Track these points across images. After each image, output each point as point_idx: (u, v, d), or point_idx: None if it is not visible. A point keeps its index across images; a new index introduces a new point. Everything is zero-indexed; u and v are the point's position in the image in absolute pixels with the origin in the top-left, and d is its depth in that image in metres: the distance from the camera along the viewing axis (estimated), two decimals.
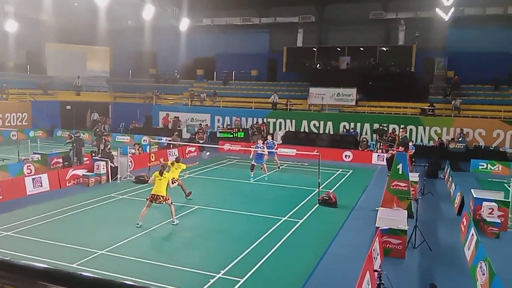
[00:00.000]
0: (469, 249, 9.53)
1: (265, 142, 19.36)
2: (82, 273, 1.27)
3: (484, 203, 11.70)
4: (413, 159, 18.74)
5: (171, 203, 11.37)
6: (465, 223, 11.02)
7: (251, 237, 10.47)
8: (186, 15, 32.14)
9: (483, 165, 21.11)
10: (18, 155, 17.88)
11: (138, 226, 10.97)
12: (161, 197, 11.18)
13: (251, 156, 17.79)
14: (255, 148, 17.83)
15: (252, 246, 9.90)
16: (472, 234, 9.59)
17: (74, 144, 17.85)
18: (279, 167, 19.81)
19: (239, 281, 8.05)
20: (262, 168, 17.74)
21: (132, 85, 36.02)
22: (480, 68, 26.95)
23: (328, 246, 10.08)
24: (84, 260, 8.76)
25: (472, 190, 12.89)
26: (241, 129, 27.93)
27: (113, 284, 1.21)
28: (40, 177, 14.76)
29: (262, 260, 9.08)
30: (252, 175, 17.47)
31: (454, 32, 28.73)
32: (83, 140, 18.78)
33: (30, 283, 1.28)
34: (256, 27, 33.85)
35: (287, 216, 12.45)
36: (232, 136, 27.23)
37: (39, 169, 16.49)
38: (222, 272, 8.41)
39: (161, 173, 11.37)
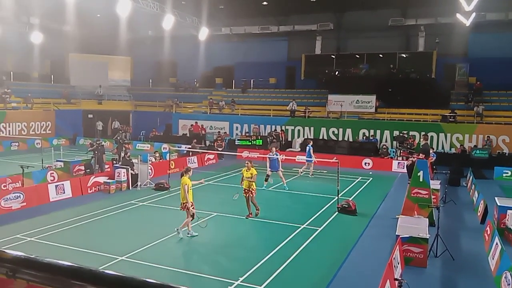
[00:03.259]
0: (493, 259, 9.30)
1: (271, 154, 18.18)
2: (105, 271, 1.32)
3: (509, 212, 11.40)
4: (434, 167, 18.43)
5: (191, 215, 10.79)
6: (489, 232, 10.76)
7: (269, 245, 10.44)
8: (205, 24, 32.56)
9: (507, 173, 20.58)
10: (42, 163, 18.31)
11: (189, 235, 10.93)
12: (180, 204, 11.05)
13: (267, 166, 17.53)
14: (269, 156, 17.71)
15: (271, 254, 9.87)
16: (497, 243, 9.35)
17: (96, 152, 18.20)
18: (312, 174, 20.19)
19: None
20: (280, 176, 17.44)
21: (152, 94, 36.60)
22: (503, 74, 26.38)
23: (347, 254, 9.97)
24: (104, 266, 8.87)
25: (496, 198, 12.59)
26: (259, 137, 27.98)
27: (134, 281, 1.25)
28: (63, 184, 15.08)
29: (281, 268, 9.04)
30: (265, 185, 17.08)
31: (476, 38, 28.28)
32: (104, 148, 19.12)
33: (55, 280, 1.33)
34: (275, 35, 34.02)
35: (306, 224, 12.39)
36: (250, 143, 27.30)
37: (62, 176, 16.85)
38: (241, 279, 8.41)
39: (181, 176, 10.98)
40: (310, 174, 20.45)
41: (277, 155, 17.71)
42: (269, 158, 17.49)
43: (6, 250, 1.47)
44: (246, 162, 12.91)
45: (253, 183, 12.65)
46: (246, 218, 12.76)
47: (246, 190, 12.60)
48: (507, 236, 11.03)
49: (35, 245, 10.16)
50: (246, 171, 12.71)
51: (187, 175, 10.93)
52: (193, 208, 10.89)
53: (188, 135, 30.62)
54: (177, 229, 10.87)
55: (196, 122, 31.05)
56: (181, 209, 11.08)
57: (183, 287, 1.26)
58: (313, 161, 19.96)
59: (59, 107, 32.77)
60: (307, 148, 20.40)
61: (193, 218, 10.94)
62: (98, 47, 35.27)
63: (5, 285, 1.47)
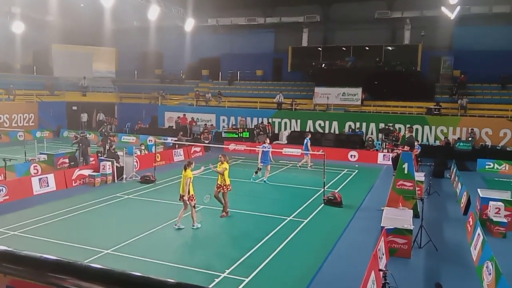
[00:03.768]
0: (475, 249, 9.48)
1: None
2: (91, 264, 1.30)
3: (491, 203, 11.62)
4: (419, 159, 18.66)
5: (194, 205, 10.98)
6: (471, 223, 10.96)
7: (256, 237, 10.47)
8: (191, 15, 32.20)
9: (490, 165, 20.96)
10: (25, 156, 18.02)
11: (176, 227, 10.91)
12: (180, 196, 10.94)
13: (259, 158, 17.22)
14: (262, 148, 17.37)
15: (257, 246, 9.91)
16: (479, 234, 9.54)
17: (80, 144, 17.96)
18: (310, 166, 20.14)
19: (244, 280, 8.06)
20: (266, 170, 17.26)
21: (138, 86, 36.20)
22: (487, 67, 26.75)
23: (333, 246, 10.06)
24: (90, 260, 8.79)
25: (478, 189, 12.82)
26: (246, 129, 27.94)
27: (116, 273, 1.23)
28: (46, 177, 14.86)
29: (267, 260, 9.08)
30: (254, 176, 17.11)
31: (460, 31, 28.58)
32: (89, 140, 18.88)
33: (36, 273, 1.31)
34: (261, 27, 33.85)
35: (292, 216, 12.45)
36: (237, 136, 27.25)
37: (46, 169, 16.60)
38: (227, 271, 8.43)
39: (184, 169, 10.89)
40: (309, 166, 20.41)
41: (269, 147, 17.38)
42: (262, 150, 17.17)
43: None
44: (220, 156, 12.48)
45: (226, 178, 11.96)
46: (221, 217, 12.14)
47: (218, 186, 12.01)
48: (488, 226, 11.24)
49: (19, 239, 10.01)
50: (220, 165, 12.21)
51: (189, 168, 10.91)
52: (194, 201, 10.96)
53: (174, 127, 30.42)
54: (193, 226, 11.01)
55: (184, 115, 30.81)
56: (180, 200, 11.04)
57: (168, 279, 1.24)
58: (309, 154, 19.95)
59: (42, 99, 32.20)
60: (305, 140, 20.32)
61: (185, 209, 10.96)
62: (82, 37, 34.66)
63: None
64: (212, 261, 9.15)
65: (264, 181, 17.03)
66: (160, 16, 29.67)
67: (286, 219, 12.16)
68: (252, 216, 12.55)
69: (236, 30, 34.76)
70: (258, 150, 17.68)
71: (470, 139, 24.17)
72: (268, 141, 18.14)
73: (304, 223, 11.86)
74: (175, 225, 10.99)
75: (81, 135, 18.43)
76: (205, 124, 29.95)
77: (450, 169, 19.44)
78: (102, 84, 36.05)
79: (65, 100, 33.54)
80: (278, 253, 9.55)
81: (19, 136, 25.38)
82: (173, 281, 1.27)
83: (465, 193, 13.61)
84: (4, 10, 31.14)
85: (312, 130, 28.10)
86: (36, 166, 16.68)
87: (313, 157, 20.26)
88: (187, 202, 10.83)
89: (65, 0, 26.44)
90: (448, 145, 24.29)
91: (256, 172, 17.21)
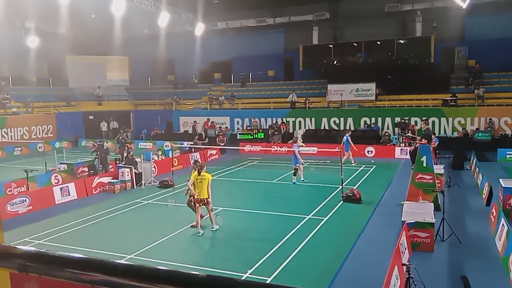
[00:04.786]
0: (500, 240, 9.31)
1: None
2: (115, 261, 1.34)
3: None
4: (437, 152, 18.41)
5: (211, 209, 10.95)
6: (494, 214, 10.76)
7: (276, 237, 10.47)
8: (200, 20, 32.43)
9: (511, 154, 20.55)
10: (46, 166, 18.37)
11: (200, 234, 10.75)
12: (204, 200, 10.71)
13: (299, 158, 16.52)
14: (295, 148, 16.59)
15: (278, 246, 9.90)
16: (503, 225, 9.36)
17: (98, 153, 18.24)
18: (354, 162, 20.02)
19: (266, 280, 8.06)
20: (299, 169, 16.66)
21: (152, 92, 36.57)
22: (502, 55, 26.25)
23: (354, 242, 10.00)
24: None
25: (500, 179, 12.56)
26: (260, 130, 27.96)
27: (144, 269, 1.26)
28: (67, 186, 15.14)
29: (289, 259, 9.08)
30: (300, 179, 16.60)
31: (473, 20, 28.10)
32: (108, 149, 19.19)
33: (66, 272, 1.35)
34: (271, 28, 33.87)
35: (311, 214, 12.41)
36: (252, 137, 27.29)
37: (66, 179, 16.91)
38: (249, 272, 8.45)
39: (199, 173, 10.68)
40: (353, 162, 20.15)
41: (297, 147, 16.71)
42: (298, 151, 16.56)
43: (17, 246, 1.49)
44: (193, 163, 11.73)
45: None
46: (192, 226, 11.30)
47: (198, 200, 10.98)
48: None
49: (43, 247, 10.19)
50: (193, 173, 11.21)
51: (203, 170, 10.82)
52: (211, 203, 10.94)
53: (190, 131, 30.56)
54: (212, 228, 11.03)
55: (208, 119, 30.50)
56: (200, 206, 10.81)
57: (192, 272, 1.27)
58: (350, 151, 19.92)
59: (59, 110, 32.79)
60: (344, 138, 20.06)
61: (198, 213, 10.95)
62: (94, 48, 35.19)
63: (18, 279, 1.50)
64: (233, 262, 9.18)
65: (302, 181, 16.65)
66: (170, 22, 29.96)
67: (305, 217, 12.12)
68: (271, 216, 12.55)
69: (246, 32, 34.84)
70: (293, 151, 16.78)
71: (489, 129, 23.75)
72: (299, 140, 17.46)
73: (324, 221, 11.81)
74: (198, 233, 10.80)
75: (98, 143, 18.73)
76: (220, 127, 30.07)
77: (469, 161, 19.13)
78: (116, 92, 36.55)
79: (81, 110, 34.12)
80: (299, 251, 9.53)
81: (39, 147, 25.92)
82: (203, 274, 1.30)
83: (486, 183, 13.37)
84: (19, 25, 31.87)
85: (327, 127, 28.00)
86: (57, 176, 17.02)
87: (329, 155, 20.12)
88: (206, 205, 10.83)
89: (76, 12, 26.86)
90: (467, 136, 23.89)
91: (296, 173, 16.71)
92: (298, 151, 16.64)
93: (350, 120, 27.55)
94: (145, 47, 35.31)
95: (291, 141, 18.19)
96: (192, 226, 11.25)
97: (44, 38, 32.52)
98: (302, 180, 16.76)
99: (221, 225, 11.29)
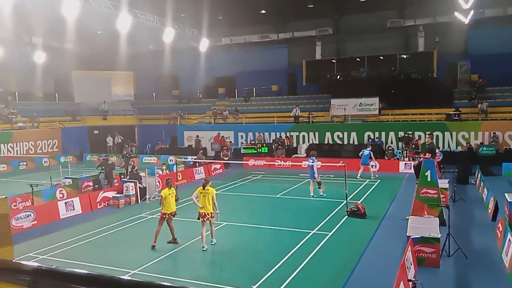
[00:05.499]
0: (507, 256, 9.22)
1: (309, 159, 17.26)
2: (123, 277, 1.37)
3: None
4: (441, 166, 18.35)
5: (213, 223, 11.09)
6: (501, 229, 10.68)
7: (281, 252, 10.43)
8: (205, 35, 32.81)
9: None
10: (51, 180, 18.44)
11: (204, 249, 10.65)
12: (208, 214, 10.72)
13: (316, 173, 16.47)
14: (312, 162, 16.53)
15: (283, 261, 9.86)
16: (509, 240, 9.28)
17: (103, 167, 18.32)
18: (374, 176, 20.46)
19: None
20: (314, 184, 16.63)
21: (156, 107, 36.83)
22: (505, 69, 26.37)
23: (359, 258, 9.93)
24: None
25: (506, 194, 12.49)
26: (264, 144, 28.01)
27: (151, 285, 1.29)
28: (72, 201, 15.17)
29: (293, 275, 9.02)
30: (318, 193, 16.54)
31: (475, 34, 28.29)
32: (113, 163, 19.26)
33: None
34: (275, 43, 34.21)
35: (316, 229, 12.36)
36: (256, 151, 27.33)
37: (71, 193, 16.93)
38: (254, 287, 8.40)
39: (204, 187, 10.78)
40: (372, 176, 20.56)
41: (312, 161, 16.66)
42: (314, 165, 16.42)
43: (26, 263, 1.52)
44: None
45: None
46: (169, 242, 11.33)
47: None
48: None
49: (48, 262, 10.19)
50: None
51: (208, 185, 10.89)
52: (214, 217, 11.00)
53: (194, 146, 30.66)
54: (212, 242, 11.05)
55: (219, 133, 30.45)
56: (205, 220, 10.75)
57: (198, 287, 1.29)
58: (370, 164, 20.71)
59: (64, 125, 33.04)
60: (363, 152, 20.65)
61: (204, 227, 10.95)
62: (100, 63, 35.62)
63: None
64: (238, 277, 9.14)
65: (321, 195, 16.54)
66: (175, 38, 30.32)
67: (310, 232, 12.07)
68: (276, 231, 12.50)
69: (250, 47, 35.19)
70: (309, 166, 16.76)
71: (493, 143, 23.68)
72: (314, 154, 17.28)
73: (329, 235, 11.75)
74: (203, 248, 10.71)
75: (103, 158, 18.81)
76: (225, 141, 30.09)
77: (474, 175, 19.04)
78: (121, 107, 36.82)
79: (86, 124, 34.37)
80: (304, 266, 9.48)
81: (44, 162, 26.08)
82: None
83: (492, 198, 13.29)
84: (26, 41, 32.34)
85: (331, 142, 28.01)
86: (62, 190, 17.06)
87: (333, 169, 20.11)
88: (210, 219, 10.85)
89: (83, 28, 27.25)
90: (471, 151, 23.83)
91: (319, 187, 16.61)
92: (317, 165, 16.55)
93: (353, 134, 27.57)
94: (150, 63, 35.71)
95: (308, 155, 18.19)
96: (168, 242, 11.23)
97: (50, 54, 32.96)
98: (312, 195, 16.68)
99: (226, 240, 11.25)
